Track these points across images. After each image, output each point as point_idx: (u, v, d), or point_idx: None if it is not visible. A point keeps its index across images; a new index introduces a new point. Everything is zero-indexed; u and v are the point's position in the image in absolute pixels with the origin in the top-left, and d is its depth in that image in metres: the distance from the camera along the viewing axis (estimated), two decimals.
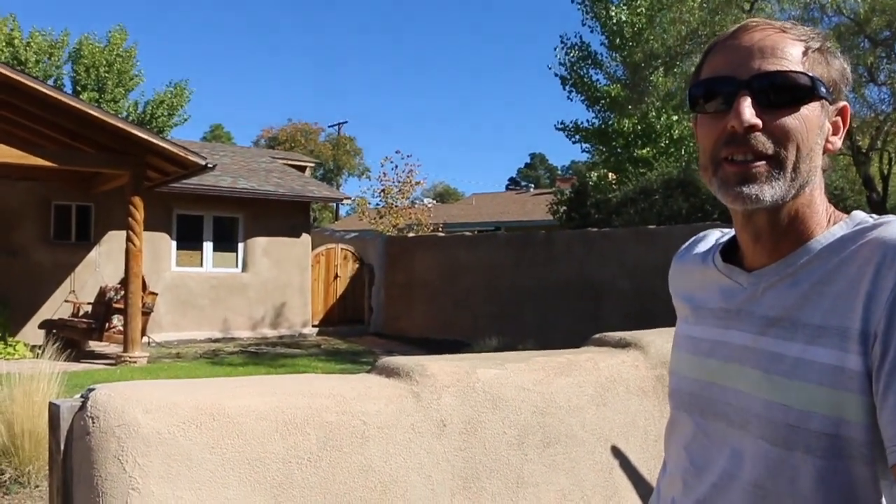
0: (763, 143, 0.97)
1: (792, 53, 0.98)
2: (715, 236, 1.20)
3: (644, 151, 21.14)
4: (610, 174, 21.39)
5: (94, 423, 1.67)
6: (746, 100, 0.97)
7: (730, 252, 1.12)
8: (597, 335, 2.89)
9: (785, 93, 0.97)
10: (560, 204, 19.77)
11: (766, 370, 0.98)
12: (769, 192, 0.97)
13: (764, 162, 0.97)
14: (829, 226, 1.01)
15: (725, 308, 1.07)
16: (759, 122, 0.97)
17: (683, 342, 1.16)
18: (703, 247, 1.18)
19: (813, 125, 0.98)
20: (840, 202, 12.96)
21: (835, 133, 1.02)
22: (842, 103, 1.02)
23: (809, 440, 0.93)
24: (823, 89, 0.99)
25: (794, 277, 0.99)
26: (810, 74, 0.98)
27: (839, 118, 1.02)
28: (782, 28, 1.01)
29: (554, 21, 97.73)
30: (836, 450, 0.92)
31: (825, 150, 1.01)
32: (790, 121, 0.97)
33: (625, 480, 2.53)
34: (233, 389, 1.93)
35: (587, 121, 22.98)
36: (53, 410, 1.75)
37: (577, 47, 22.64)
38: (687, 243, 1.24)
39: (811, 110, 0.98)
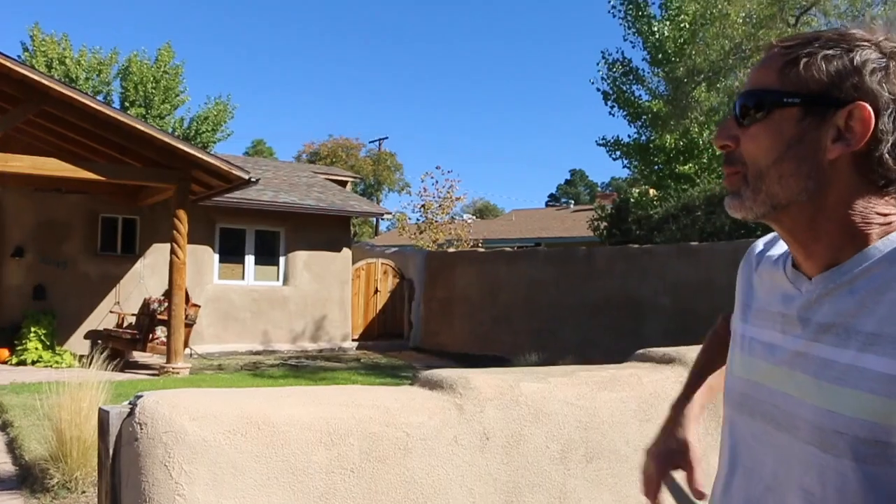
0: (735, 160, 1.04)
1: (772, 69, 1.01)
2: None
3: (686, 167, 20.94)
4: (651, 190, 21.21)
5: (142, 429, 1.70)
6: (725, 121, 1.05)
7: None
8: (640, 350, 2.87)
9: (749, 111, 1.01)
10: (601, 220, 19.64)
11: (816, 376, 0.98)
12: (737, 207, 1.04)
13: (736, 176, 1.04)
14: (886, 233, 0.98)
15: (784, 313, 1.06)
16: (726, 142, 1.04)
17: (740, 341, 1.16)
18: (778, 250, 1.17)
19: (777, 137, 0.98)
20: None
21: (839, 138, 0.96)
22: (855, 104, 0.95)
23: (858, 447, 0.92)
24: (797, 98, 0.97)
25: (851, 285, 0.97)
26: (770, 89, 1.00)
27: (852, 121, 0.95)
28: (784, 41, 1.02)
29: (596, 36, 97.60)
30: (885, 457, 0.90)
31: (830, 156, 0.96)
32: (744, 139, 1.02)
33: (669, 498, 2.50)
34: (278, 399, 1.95)
35: (629, 136, 22.86)
36: (103, 416, 1.79)
37: (619, 62, 22.56)
38: (766, 240, 1.23)
39: (777, 122, 0.99)
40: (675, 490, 1.39)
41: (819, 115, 0.97)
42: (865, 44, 0.97)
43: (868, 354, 0.92)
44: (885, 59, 0.96)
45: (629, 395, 2.47)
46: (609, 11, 22.48)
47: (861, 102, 0.95)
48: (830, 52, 0.97)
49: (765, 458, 1.05)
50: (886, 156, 0.96)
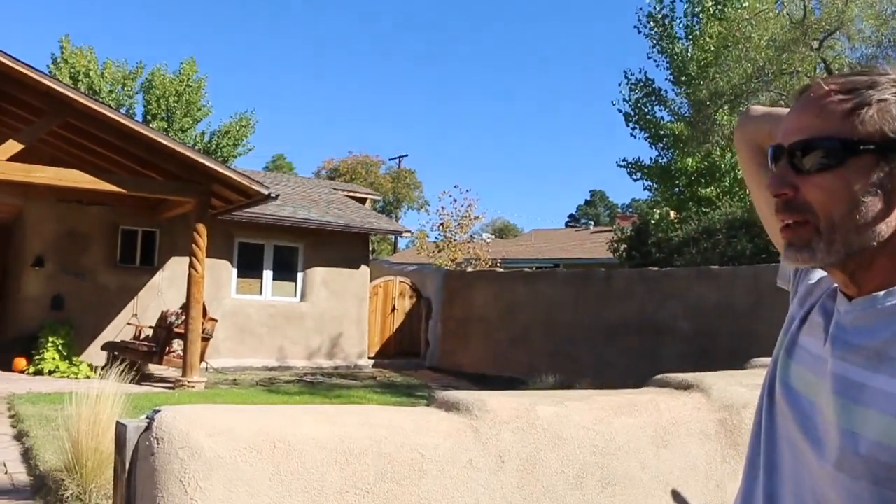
0: (798, 208, 1.01)
1: (834, 114, 0.99)
2: None
3: (707, 190, 20.89)
4: (672, 212, 21.16)
5: (158, 443, 1.70)
6: (780, 168, 1.03)
7: None
8: (658, 376, 2.84)
9: (813, 159, 0.99)
10: (620, 242, 19.59)
11: (843, 395, 0.98)
12: (808, 258, 1.01)
13: (803, 227, 1.01)
14: None
15: (825, 327, 1.08)
16: (786, 191, 1.01)
17: (789, 345, 1.16)
18: None
19: (853, 186, 0.97)
20: None
21: None
22: None
23: (877, 471, 0.92)
24: (872, 146, 0.97)
25: (890, 312, 0.98)
26: (841, 137, 0.98)
27: None
28: (837, 85, 1.01)
29: (619, 57, 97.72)
30: None
31: None
32: (809, 188, 1.00)
33: None
34: (294, 417, 1.94)
35: (650, 158, 22.86)
36: (120, 430, 1.79)
37: (641, 83, 22.60)
38: None
39: (852, 171, 0.98)
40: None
41: (892, 160, 0.98)
42: None
43: None
44: None
45: (646, 422, 2.45)
46: (635, 26, 22.60)
47: None
48: None
49: (800, 470, 1.05)
50: None
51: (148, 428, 1.74)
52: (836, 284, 1.10)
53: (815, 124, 1.00)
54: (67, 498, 4.95)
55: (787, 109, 1.39)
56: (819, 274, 1.19)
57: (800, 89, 1.07)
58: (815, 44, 16.53)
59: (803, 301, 1.19)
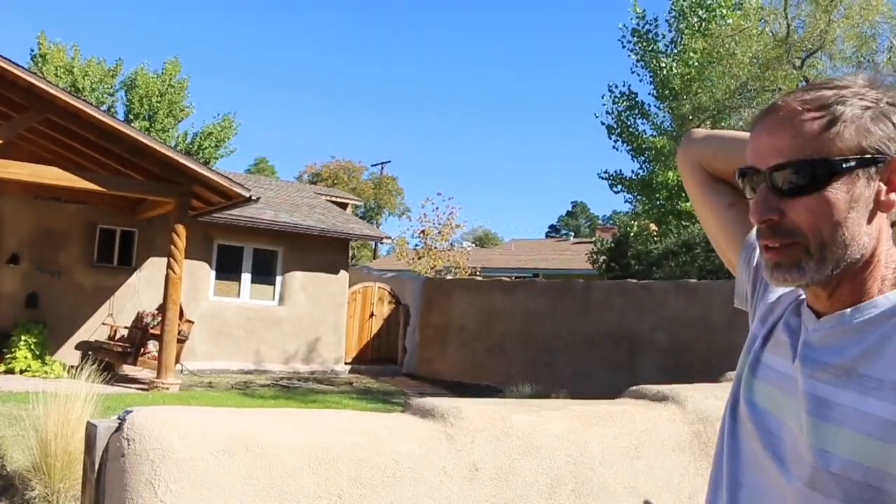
0: (786, 231, 1.00)
1: (810, 133, 0.99)
2: None
3: (687, 204, 20.99)
4: (652, 225, 21.28)
5: (129, 444, 1.68)
6: (762, 193, 1.02)
7: None
8: (634, 387, 2.85)
9: (796, 181, 0.99)
10: (600, 253, 19.66)
11: (813, 414, 0.98)
12: (798, 277, 1.01)
13: (791, 248, 1.00)
14: None
15: (792, 344, 1.07)
16: (772, 216, 1.00)
17: (753, 363, 1.15)
18: None
19: (839, 204, 0.98)
20: None
21: (892, 190, 0.99)
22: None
23: (850, 490, 0.92)
24: (853, 162, 0.97)
25: (858, 330, 0.99)
26: (821, 157, 0.98)
27: (893, 173, 0.99)
28: (807, 102, 1.01)
29: (602, 68, 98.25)
30: (875, 503, 0.90)
31: (881, 210, 1.00)
32: (795, 210, 0.99)
33: None
34: (267, 421, 1.93)
35: (632, 171, 22.98)
36: (90, 430, 1.77)
37: (624, 96, 22.73)
38: None
39: (836, 189, 0.98)
40: None
41: (869, 173, 0.99)
42: (884, 100, 1.00)
43: (869, 398, 0.93)
44: None
45: (621, 432, 2.45)
46: (619, 40, 22.75)
47: None
48: (869, 112, 0.99)
49: (768, 491, 1.04)
50: None
51: (119, 428, 1.71)
52: (800, 299, 1.10)
53: (793, 144, 0.99)
54: (34, 498, 4.88)
55: (728, 132, 1.41)
56: (778, 291, 1.19)
57: (765, 109, 1.07)
58: (798, 62, 16.71)
59: (764, 319, 1.18)
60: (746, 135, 1.16)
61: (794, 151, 0.99)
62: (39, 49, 28.32)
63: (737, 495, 1.09)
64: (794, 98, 1.02)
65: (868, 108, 0.99)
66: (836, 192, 0.98)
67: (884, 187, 0.99)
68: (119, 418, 1.75)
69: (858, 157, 0.98)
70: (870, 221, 0.99)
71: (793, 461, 1.00)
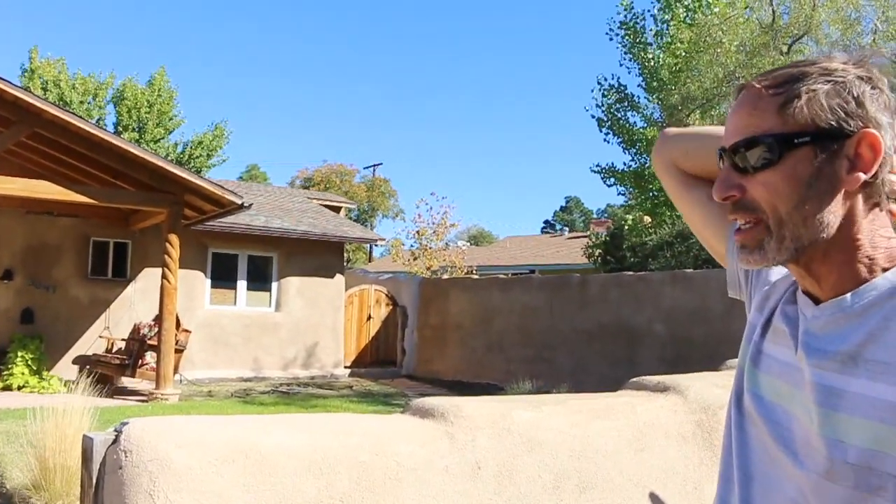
0: (748, 207, 1.01)
1: (767, 110, 0.99)
2: None
3: None
4: (646, 217, 21.29)
5: (126, 456, 1.66)
6: (724, 171, 1.03)
7: None
8: (634, 379, 2.83)
9: (753, 157, 0.99)
10: (595, 247, 19.68)
11: (823, 405, 0.96)
12: (760, 258, 1.02)
13: (755, 229, 1.01)
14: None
15: (792, 334, 1.05)
16: (733, 193, 1.01)
17: (754, 355, 1.13)
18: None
19: (794, 180, 0.97)
20: None
21: (854, 168, 0.97)
22: (861, 132, 0.97)
23: (871, 479, 0.90)
24: (807, 137, 0.97)
25: (860, 314, 0.97)
26: (775, 132, 0.98)
27: (861, 148, 0.97)
28: (769, 80, 1.01)
29: (592, 62, 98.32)
30: (893, 490, 0.89)
31: (846, 187, 0.97)
32: (754, 187, 1.00)
33: None
34: (266, 427, 1.91)
35: (624, 164, 22.99)
36: (87, 443, 1.74)
37: (614, 89, 22.75)
38: None
39: (791, 166, 0.97)
40: None
41: (829, 149, 0.97)
42: (851, 74, 0.98)
43: (879, 384, 0.91)
44: (874, 88, 0.98)
45: (623, 424, 2.43)
46: (606, 34, 22.78)
47: (867, 130, 0.96)
48: (828, 86, 0.97)
49: (782, 482, 1.02)
50: (889, 176, 0.99)
51: (116, 441, 1.69)
52: (794, 285, 1.09)
53: (752, 123, 1.00)
54: None
55: (701, 128, 1.42)
56: (773, 277, 1.18)
57: (735, 90, 1.07)
58: (784, 48, 16.74)
59: (761, 307, 1.17)
60: (719, 129, 1.17)
61: (751, 129, 1.00)
62: (30, 64, 28.25)
63: (749, 488, 1.08)
64: (760, 78, 1.03)
65: (830, 83, 0.97)
66: (791, 167, 0.97)
67: (846, 164, 0.97)
68: (115, 430, 1.73)
69: (813, 132, 0.97)
70: (834, 199, 0.98)
71: (805, 453, 0.98)
